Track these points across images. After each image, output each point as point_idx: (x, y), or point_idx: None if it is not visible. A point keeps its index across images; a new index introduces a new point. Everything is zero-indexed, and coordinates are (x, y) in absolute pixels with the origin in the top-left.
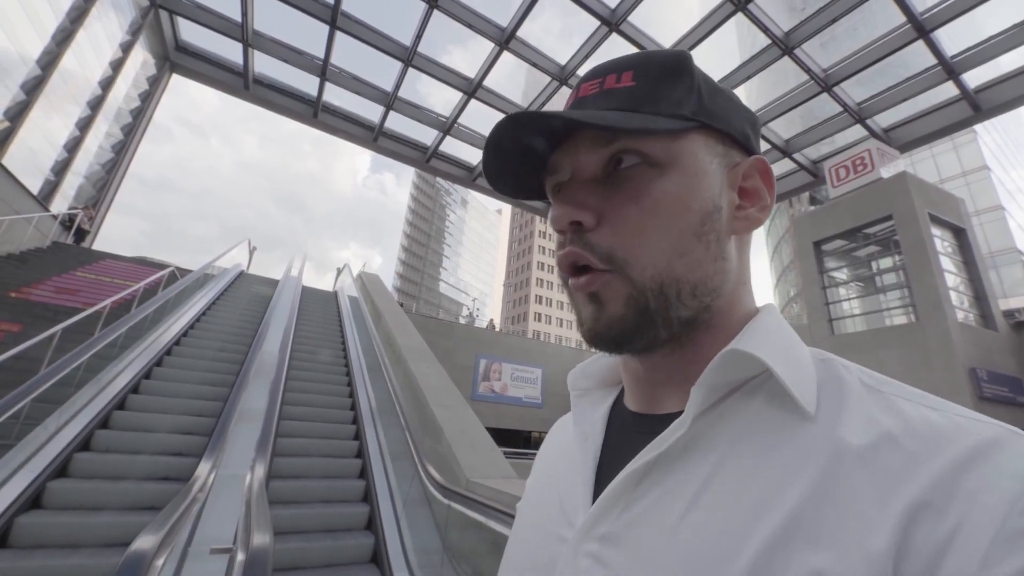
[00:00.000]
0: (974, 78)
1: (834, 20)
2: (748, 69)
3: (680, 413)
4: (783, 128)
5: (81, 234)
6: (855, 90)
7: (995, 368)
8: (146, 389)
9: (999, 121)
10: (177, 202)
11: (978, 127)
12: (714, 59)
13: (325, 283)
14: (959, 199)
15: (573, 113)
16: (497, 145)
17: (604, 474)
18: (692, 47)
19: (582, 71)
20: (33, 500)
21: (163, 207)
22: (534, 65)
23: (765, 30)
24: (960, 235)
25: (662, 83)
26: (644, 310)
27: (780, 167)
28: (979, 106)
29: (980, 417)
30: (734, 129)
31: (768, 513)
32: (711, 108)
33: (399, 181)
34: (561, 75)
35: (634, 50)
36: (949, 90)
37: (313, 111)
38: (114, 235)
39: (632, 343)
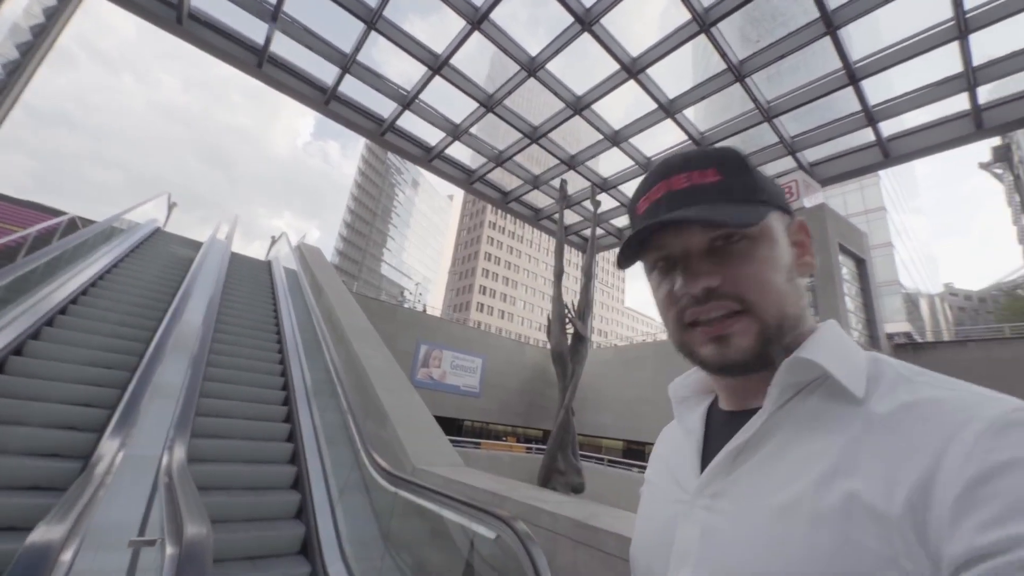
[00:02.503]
0: (887, 128)
1: (782, 56)
2: (703, 90)
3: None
4: None
5: None
6: (790, 124)
7: None
8: (16, 369)
9: (894, 170)
10: (74, 141)
11: (882, 172)
12: (669, 75)
13: (253, 251)
14: (863, 233)
15: (704, 214)
16: (644, 239)
17: (707, 456)
18: (655, 61)
19: (551, 65)
20: None
21: (56, 145)
22: (504, 51)
23: (723, 55)
24: (861, 265)
25: (741, 176)
26: (768, 341)
27: None
28: (889, 153)
29: (985, 394)
30: (783, 204)
31: (820, 461)
32: (771, 191)
33: (345, 151)
34: (531, 66)
35: (601, 52)
36: (867, 135)
37: (257, 60)
38: None
39: (753, 366)
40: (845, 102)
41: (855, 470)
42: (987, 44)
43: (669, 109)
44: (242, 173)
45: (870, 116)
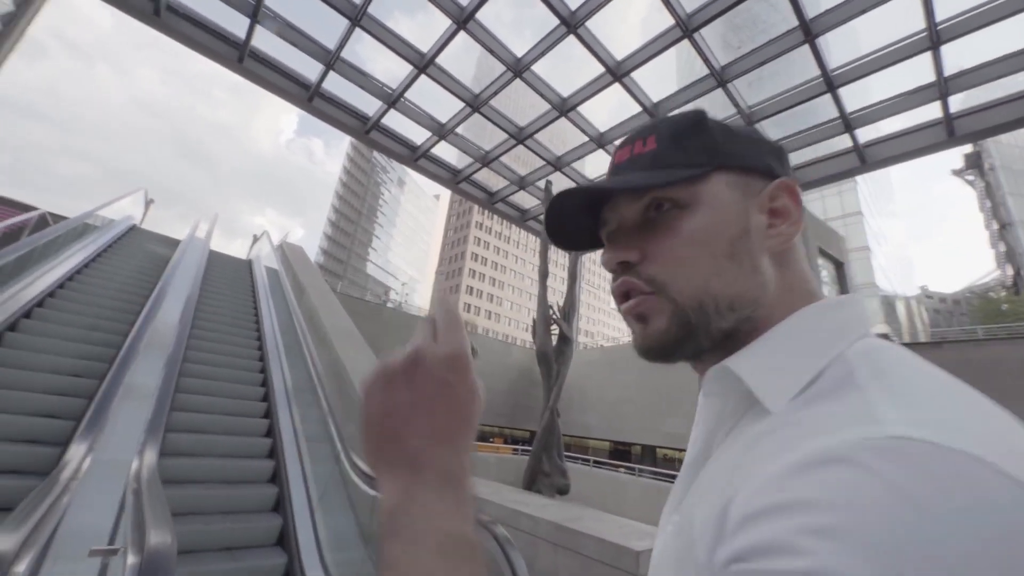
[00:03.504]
0: (863, 135)
1: (763, 62)
2: (686, 95)
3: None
4: None
5: None
6: (771, 129)
7: None
8: None
9: (871, 175)
10: (46, 134)
11: (859, 177)
12: (653, 79)
13: (234, 250)
14: (841, 237)
15: (607, 183)
16: (558, 212)
17: None
18: (639, 65)
19: (537, 67)
20: None
21: (27, 138)
22: (490, 51)
23: (706, 60)
24: (840, 268)
25: (678, 140)
26: (686, 323)
27: None
28: (865, 159)
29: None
30: (751, 163)
31: (711, 489)
32: (727, 150)
33: (329, 149)
34: (516, 67)
35: (587, 55)
36: (844, 142)
37: (239, 55)
38: None
39: (678, 353)
40: (824, 108)
41: (725, 490)
42: (958, 55)
43: (653, 113)
44: (223, 170)
45: (847, 123)
